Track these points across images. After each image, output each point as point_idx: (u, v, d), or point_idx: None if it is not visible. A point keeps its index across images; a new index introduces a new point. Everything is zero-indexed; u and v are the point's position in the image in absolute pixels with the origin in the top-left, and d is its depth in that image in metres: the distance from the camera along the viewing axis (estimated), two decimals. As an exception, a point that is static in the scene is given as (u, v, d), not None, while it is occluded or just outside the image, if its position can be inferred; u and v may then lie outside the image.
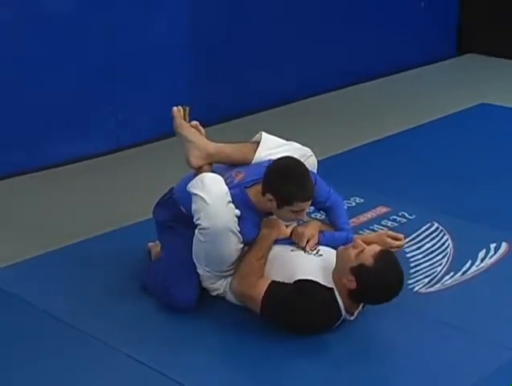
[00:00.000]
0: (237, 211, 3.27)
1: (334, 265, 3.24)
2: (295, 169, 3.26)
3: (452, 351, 3.16)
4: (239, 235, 3.28)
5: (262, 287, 3.21)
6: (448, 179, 4.80)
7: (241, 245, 3.31)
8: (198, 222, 3.25)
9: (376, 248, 3.17)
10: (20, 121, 4.91)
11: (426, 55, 7.48)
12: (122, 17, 5.23)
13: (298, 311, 3.15)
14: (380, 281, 3.12)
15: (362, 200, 4.44)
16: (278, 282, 3.22)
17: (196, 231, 3.29)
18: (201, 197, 3.25)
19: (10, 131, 4.88)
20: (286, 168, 3.27)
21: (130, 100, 5.36)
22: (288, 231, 3.45)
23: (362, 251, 3.14)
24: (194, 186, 3.31)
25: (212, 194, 3.25)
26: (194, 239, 3.32)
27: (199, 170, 3.47)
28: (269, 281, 3.22)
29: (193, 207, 3.28)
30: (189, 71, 5.66)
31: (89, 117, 5.21)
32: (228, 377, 3.05)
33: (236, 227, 3.26)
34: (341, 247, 3.25)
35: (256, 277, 3.25)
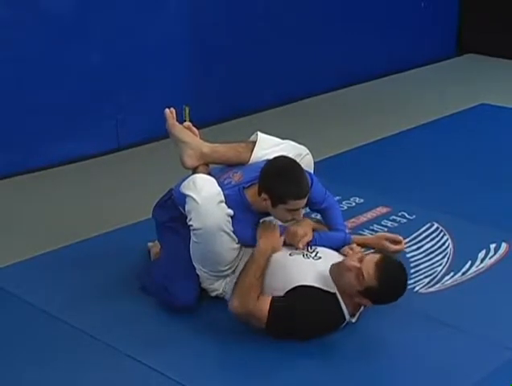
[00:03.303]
0: (230, 211, 3.26)
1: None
2: (289, 167, 3.26)
3: (452, 351, 3.16)
4: (232, 234, 3.27)
5: (264, 304, 3.15)
6: (448, 179, 4.80)
7: (237, 245, 3.31)
8: (190, 223, 3.25)
9: (370, 265, 3.10)
10: (20, 120, 4.91)
11: (426, 55, 7.49)
12: (122, 17, 5.23)
13: (303, 322, 3.14)
14: (391, 290, 3.14)
15: (362, 200, 4.44)
16: (279, 298, 3.17)
17: (191, 232, 3.29)
18: (192, 197, 3.25)
19: (10, 131, 4.88)
20: (280, 167, 3.26)
21: (130, 100, 5.36)
22: (280, 245, 3.36)
23: (361, 273, 3.09)
24: (186, 187, 3.31)
25: (203, 194, 3.24)
26: (191, 240, 3.32)
27: (195, 171, 3.47)
28: (269, 298, 3.16)
29: (186, 207, 3.29)
30: (189, 71, 5.66)
31: (89, 117, 5.21)
32: (227, 376, 3.05)
33: (228, 227, 3.25)
34: (333, 264, 3.22)
35: (256, 294, 3.19)
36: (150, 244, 3.81)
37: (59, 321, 3.33)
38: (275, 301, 3.16)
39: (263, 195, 3.24)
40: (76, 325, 3.30)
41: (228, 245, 3.27)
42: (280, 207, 3.23)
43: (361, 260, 3.14)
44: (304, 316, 3.13)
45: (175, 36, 5.53)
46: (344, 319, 3.21)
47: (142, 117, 5.43)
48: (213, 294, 3.43)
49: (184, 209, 3.33)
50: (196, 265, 3.36)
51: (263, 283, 3.23)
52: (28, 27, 4.82)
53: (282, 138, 3.66)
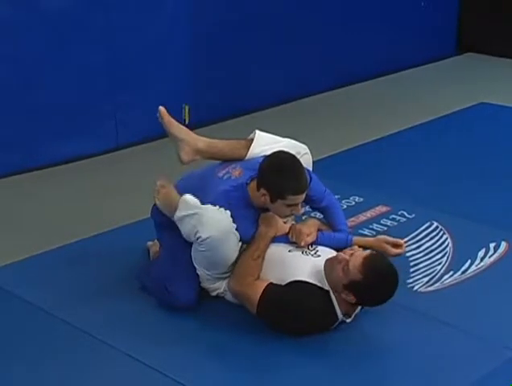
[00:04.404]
0: (229, 212, 3.25)
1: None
2: (288, 162, 3.25)
3: (451, 350, 3.16)
4: (237, 233, 3.26)
5: (259, 288, 3.20)
6: (447, 179, 4.80)
7: (240, 243, 3.31)
8: (198, 235, 3.21)
9: (358, 258, 3.11)
10: (19, 120, 4.91)
11: (426, 54, 7.49)
12: (122, 17, 5.23)
13: (293, 314, 3.15)
14: (375, 289, 3.12)
15: (362, 199, 4.44)
16: (275, 285, 3.21)
17: (195, 244, 3.27)
18: (193, 213, 3.23)
19: (10, 130, 4.88)
20: (279, 162, 3.26)
21: (129, 99, 5.36)
22: (286, 227, 3.44)
23: (347, 265, 3.11)
24: (180, 210, 3.27)
25: (202, 206, 3.25)
26: (193, 248, 3.30)
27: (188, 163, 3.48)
28: (266, 283, 3.21)
29: (188, 226, 3.24)
30: (189, 71, 5.65)
31: (89, 117, 5.20)
32: (226, 376, 3.05)
33: (233, 227, 3.24)
34: (326, 259, 3.23)
35: (253, 277, 3.25)
36: (149, 243, 3.81)
37: (59, 320, 3.33)
38: (270, 286, 3.18)
39: (262, 191, 3.24)
40: (75, 324, 3.30)
41: (235, 246, 3.27)
42: (279, 203, 3.23)
43: (352, 255, 3.14)
44: (295, 307, 3.14)
45: (174, 36, 5.53)
46: (337, 318, 3.20)
47: (141, 116, 5.42)
48: (214, 293, 3.42)
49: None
50: (198, 268, 3.34)
51: (261, 270, 3.26)
52: (28, 27, 4.82)
53: (282, 137, 3.65)
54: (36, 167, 4.96)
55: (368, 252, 3.18)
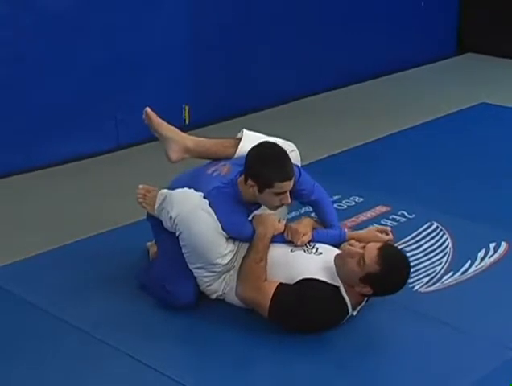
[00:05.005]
0: (201, 193, 3.30)
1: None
2: (272, 151, 3.29)
3: (451, 351, 3.16)
4: (213, 214, 3.27)
5: (269, 290, 3.19)
6: (447, 179, 4.80)
7: (222, 230, 3.29)
8: (170, 215, 3.29)
9: (373, 250, 3.14)
10: (20, 120, 4.90)
11: (426, 54, 7.49)
12: (122, 16, 5.23)
13: (307, 312, 3.15)
14: (393, 278, 3.16)
15: (362, 199, 4.44)
16: (285, 285, 3.20)
17: (176, 233, 3.31)
18: (163, 198, 3.35)
19: (10, 130, 4.88)
20: (263, 151, 3.29)
21: (129, 99, 5.35)
22: (282, 226, 3.44)
23: (362, 257, 3.13)
24: (157, 206, 3.40)
25: (172, 191, 3.34)
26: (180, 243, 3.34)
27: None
28: (276, 284, 3.21)
29: (163, 213, 3.35)
30: (189, 70, 5.65)
31: (89, 117, 5.20)
32: (226, 375, 3.05)
33: (207, 207, 3.26)
34: (336, 254, 3.26)
35: (260, 281, 3.24)
36: (148, 243, 3.81)
37: (59, 319, 3.33)
38: (281, 287, 3.18)
39: (249, 182, 3.26)
40: (75, 323, 3.30)
41: (211, 225, 3.26)
42: (267, 192, 3.25)
43: (363, 248, 3.17)
44: (308, 304, 3.14)
45: (174, 36, 5.53)
46: (347, 313, 3.22)
47: (141, 116, 5.39)
48: (213, 296, 3.41)
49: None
50: (191, 266, 3.35)
51: (266, 272, 3.26)
52: (28, 27, 4.82)
53: (282, 138, 3.66)
54: (36, 167, 4.97)
55: (379, 243, 3.22)
